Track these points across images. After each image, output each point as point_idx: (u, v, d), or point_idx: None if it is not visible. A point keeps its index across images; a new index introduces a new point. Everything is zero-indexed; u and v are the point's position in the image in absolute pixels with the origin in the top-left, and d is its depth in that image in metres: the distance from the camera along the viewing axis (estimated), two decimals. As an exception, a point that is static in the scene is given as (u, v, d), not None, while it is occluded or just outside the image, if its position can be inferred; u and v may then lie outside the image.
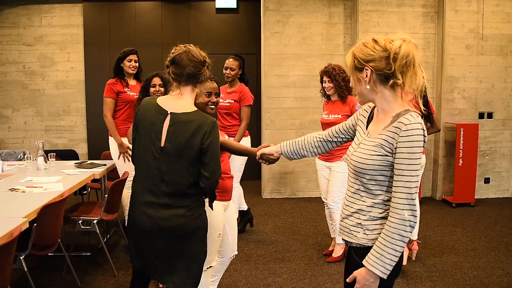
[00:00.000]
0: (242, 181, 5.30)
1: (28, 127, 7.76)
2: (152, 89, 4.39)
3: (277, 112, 7.09)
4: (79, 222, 4.20)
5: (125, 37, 7.79)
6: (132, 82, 5.03)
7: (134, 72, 4.99)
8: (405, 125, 1.79)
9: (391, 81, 1.86)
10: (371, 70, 1.88)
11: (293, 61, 7.07)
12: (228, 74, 5.02)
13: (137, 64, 4.98)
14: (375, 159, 1.88)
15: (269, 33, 7.01)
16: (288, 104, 7.08)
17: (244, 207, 5.46)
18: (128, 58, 4.92)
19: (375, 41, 1.90)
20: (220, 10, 7.95)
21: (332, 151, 4.33)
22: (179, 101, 2.51)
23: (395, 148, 1.82)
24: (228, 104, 5.02)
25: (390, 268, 1.82)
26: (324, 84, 4.39)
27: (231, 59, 5.05)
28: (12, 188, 3.78)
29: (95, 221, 4.17)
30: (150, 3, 7.95)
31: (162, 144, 2.44)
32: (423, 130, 1.81)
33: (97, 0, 7.83)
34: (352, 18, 7.05)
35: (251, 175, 7.93)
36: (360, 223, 1.95)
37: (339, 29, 7.11)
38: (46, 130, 7.75)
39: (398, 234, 1.79)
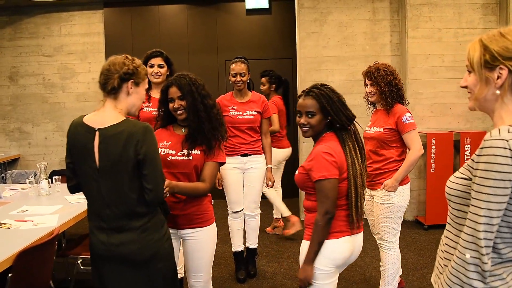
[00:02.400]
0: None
1: (48, 143, 7.36)
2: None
3: (316, 122, 6.28)
4: (78, 261, 3.55)
5: (149, 43, 7.13)
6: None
7: (159, 80, 3.79)
8: (484, 140, 1.41)
9: None
10: (508, 70, 1.44)
11: (333, 64, 6.27)
12: (240, 81, 4.23)
13: (162, 69, 3.81)
14: (458, 182, 1.53)
15: (305, 34, 6.24)
16: (328, 113, 6.26)
17: (253, 243, 4.56)
18: (149, 63, 3.79)
19: None
20: (251, 11, 7.25)
21: (372, 176, 3.51)
22: (104, 114, 2.31)
23: (474, 170, 1.44)
24: (252, 116, 4.25)
25: None
26: (366, 88, 3.60)
27: (239, 63, 4.26)
28: None
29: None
30: (175, 6, 7.36)
31: (98, 165, 2.26)
32: (509, 149, 1.35)
33: (119, 5, 7.30)
34: (400, 14, 6.21)
35: (288, 193, 7.19)
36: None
37: (384, 27, 6.26)
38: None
39: (457, 279, 1.44)
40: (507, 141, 1.36)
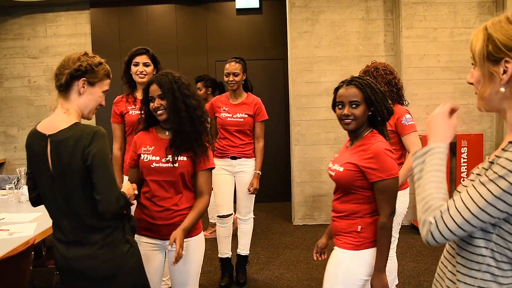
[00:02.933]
0: (271, 202, 4.38)
1: (34, 147, 7.11)
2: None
3: (308, 125, 6.13)
4: (57, 272, 3.36)
5: (137, 44, 6.71)
6: None
7: (145, 79, 3.44)
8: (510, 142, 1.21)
9: None
10: None
11: (325, 65, 6.10)
12: (233, 81, 4.05)
13: (148, 68, 3.50)
14: None
15: (297, 33, 6.08)
16: (320, 115, 6.11)
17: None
18: (134, 61, 3.49)
19: None
20: (241, 11, 7.08)
21: None
22: (55, 118, 2.14)
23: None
24: (242, 119, 4.07)
25: None
26: None
27: (233, 63, 4.08)
28: None
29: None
30: (163, 6, 7.18)
31: (52, 173, 2.11)
32: None
33: (105, 5, 7.11)
34: (394, 13, 6.06)
35: (280, 196, 7.06)
36: None
37: (378, 26, 6.11)
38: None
39: None
40: None
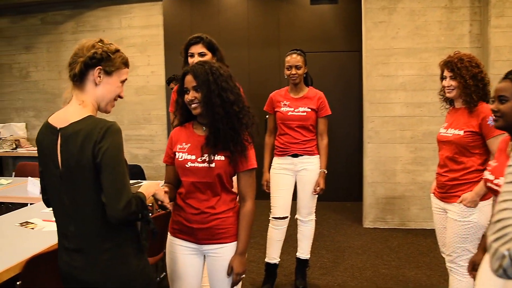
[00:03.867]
0: (341, 202, 4.09)
1: (108, 137, 7.26)
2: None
3: (383, 121, 5.73)
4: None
5: (208, 35, 6.94)
6: None
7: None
8: None
9: None
10: None
11: (403, 57, 5.66)
12: (295, 74, 3.79)
13: (205, 58, 3.12)
14: None
15: (372, 24, 5.68)
16: (396, 112, 5.69)
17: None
18: (189, 52, 3.23)
19: None
20: (316, 1, 6.76)
21: (448, 187, 2.95)
22: (68, 110, 1.94)
23: None
24: (305, 113, 3.81)
25: None
26: (444, 82, 3.02)
27: (294, 55, 3.81)
28: (25, 222, 3.17)
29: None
30: (235, -3, 7.02)
31: (60, 171, 1.90)
32: None
33: (178, -4, 7.08)
34: (481, 0, 5.50)
35: (351, 196, 6.71)
36: None
37: (463, 15, 5.57)
38: (126, 140, 7.09)
39: None
40: None
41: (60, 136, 1.89)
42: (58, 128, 1.90)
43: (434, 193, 3.16)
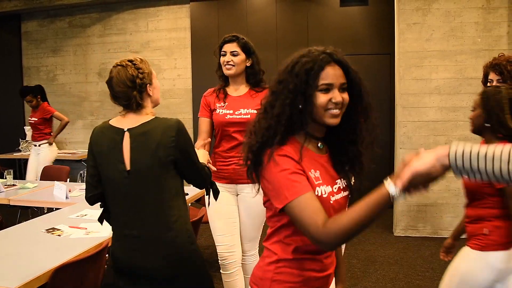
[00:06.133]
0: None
1: (133, 141, 7.23)
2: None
3: (416, 126, 5.54)
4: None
5: None
6: (242, 90, 3.10)
7: (232, 71, 3.01)
8: None
9: None
10: None
11: (438, 60, 5.46)
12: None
13: (236, 58, 2.99)
14: None
15: (405, 25, 5.50)
16: (430, 116, 5.50)
17: None
18: (222, 50, 3.04)
19: None
20: (346, 3, 6.60)
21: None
22: (130, 116, 2.20)
23: None
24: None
25: None
26: (489, 85, 2.85)
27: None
28: (52, 228, 3.14)
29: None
30: (263, -1, 6.91)
31: (128, 168, 2.14)
32: None
33: (205, -1, 7.01)
34: (521, 1, 5.29)
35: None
36: None
37: (501, 16, 5.35)
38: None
39: None
40: None
41: (129, 136, 2.14)
42: (125, 129, 2.15)
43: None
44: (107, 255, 2.83)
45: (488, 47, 5.34)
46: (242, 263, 3.23)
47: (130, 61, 2.20)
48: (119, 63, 2.20)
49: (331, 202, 1.54)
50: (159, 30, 7.06)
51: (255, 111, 2.72)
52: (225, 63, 3.02)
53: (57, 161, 6.22)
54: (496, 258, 2.24)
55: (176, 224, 2.17)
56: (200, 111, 3.18)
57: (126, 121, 2.18)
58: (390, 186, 1.29)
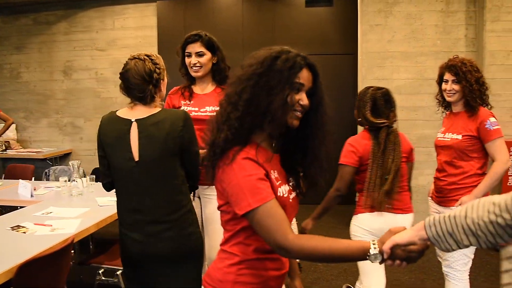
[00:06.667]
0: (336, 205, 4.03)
1: (99, 139, 7.20)
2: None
3: (378, 124, 5.70)
4: (100, 271, 3.23)
5: None
6: (208, 88, 3.08)
7: (200, 73, 2.98)
8: None
9: None
10: None
11: (399, 61, 5.66)
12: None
13: (202, 58, 2.95)
14: None
15: (368, 26, 5.67)
16: (391, 115, 5.67)
17: None
18: (186, 51, 3.00)
19: None
20: (311, 3, 6.73)
21: (446, 191, 2.92)
22: (138, 108, 2.29)
23: None
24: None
25: None
26: (445, 86, 2.98)
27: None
28: (16, 226, 3.09)
29: (118, 272, 3.16)
30: (230, -2, 6.98)
31: (137, 158, 2.24)
32: None
33: (172, -3, 7.03)
34: (476, 4, 5.51)
35: (342, 200, 6.64)
36: None
37: (459, 19, 5.58)
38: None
39: None
40: None
41: (137, 126, 2.23)
42: (133, 119, 2.24)
43: (432, 197, 3.13)
44: (72, 251, 2.87)
45: (447, 49, 5.56)
46: None
47: (148, 55, 2.27)
48: (136, 56, 2.27)
49: (290, 200, 1.58)
50: (126, 28, 7.03)
51: None
52: (191, 65, 2.97)
53: (22, 160, 6.16)
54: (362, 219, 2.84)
55: (186, 208, 2.31)
56: None
57: (134, 113, 2.27)
58: (373, 246, 1.36)
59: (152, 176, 2.24)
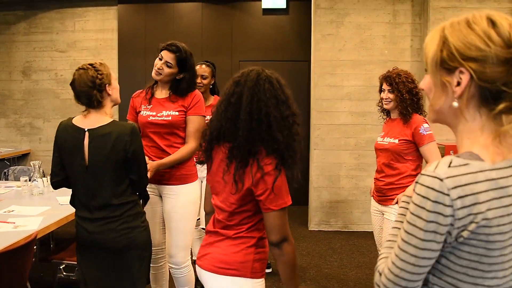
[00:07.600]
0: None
1: (58, 140, 7.22)
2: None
3: (329, 129, 6.03)
4: (61, 267, 3.38)
5: (162, 42, 7.02)
6: (166, 92, 3.20)
7: (160, 78, 3.12)
8: (421, 174, 1.06)
9: (503, 105, 1.03)
10: (470, 75, 1.04)
11: (349, 68, 6.00)
12: (200, 83, 4.02)
13: (168, 69, 3.09)
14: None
15: (321, 36, 5.98)
16: (342, 120, 6.00)
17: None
18: (161, 53, 3.13)
19: (493, 23, 1.05)
20: (268, 11, 7.01)
21: (384, 191, 3.27)
22: (92, 116, 2.54)
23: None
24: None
25: None
26: (382, 94, 3.32)
27: (203, 66, 4.18)
28: None
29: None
30: (190, 4, 7.16)
31: (87, 163, 2.52)
32: (442, 192, 1.00)
33: (133, 2, 7.15)
34: (422, 17, 5.90)
35: (297, 200, 6.90)
36: None
37: (405, 31, 5.96)
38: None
39: None
40: (441, 180, 1.01)
41: (88, 136, 2.48)
42: (86, 129, 2.49)
43: (373, 196, 3.44)
44: (34, 247, 3.01)
45: (394, 58, 5.92)
46: (176, 277, 3.25)
47: (91, 64, 2.53)
48: (81, 67, 2.54)
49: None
50: (86, 30, 7.09)
51: (176, 113, 3.07)
52: (156, 67, 3.11)
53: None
54: None
55: (128, 207, 2.58)
56: (128, 113, 3.33)
57: (87, 121, 2.53)
58: None
59: (98, 180, 2.52)
